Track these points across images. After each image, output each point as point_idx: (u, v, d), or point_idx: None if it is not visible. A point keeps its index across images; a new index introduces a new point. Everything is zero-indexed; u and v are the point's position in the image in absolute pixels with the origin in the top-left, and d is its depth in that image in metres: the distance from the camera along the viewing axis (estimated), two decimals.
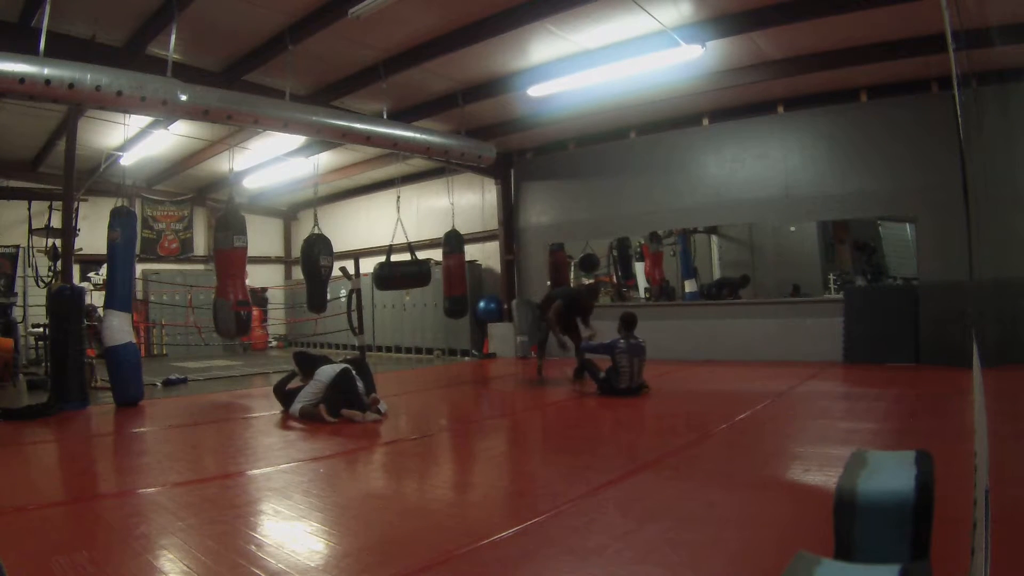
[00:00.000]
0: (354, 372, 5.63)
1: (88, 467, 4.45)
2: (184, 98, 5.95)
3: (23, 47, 5.25)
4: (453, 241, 9.89)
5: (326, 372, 5.56)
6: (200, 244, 14.68)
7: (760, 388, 6.56)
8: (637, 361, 6.37)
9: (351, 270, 8.55)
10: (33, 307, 10.51)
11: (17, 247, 10.69)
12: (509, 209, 11.82)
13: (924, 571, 1.36)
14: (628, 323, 6.55)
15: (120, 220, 6.81)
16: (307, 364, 5.86)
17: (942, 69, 7.32)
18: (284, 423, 5.55)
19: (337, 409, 5.37)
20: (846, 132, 8.54)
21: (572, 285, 11.66)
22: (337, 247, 9.17)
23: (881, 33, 6.77)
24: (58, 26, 5.89)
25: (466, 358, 11.62)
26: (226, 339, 9.43)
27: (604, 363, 6.59)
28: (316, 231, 8.47)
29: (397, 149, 8.38)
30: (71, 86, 5.25)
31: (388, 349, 13.34)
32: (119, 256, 6.83)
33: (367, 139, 7.79)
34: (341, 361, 6.02)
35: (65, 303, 6.48)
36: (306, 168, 11.60)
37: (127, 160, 10.14)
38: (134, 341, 6.92)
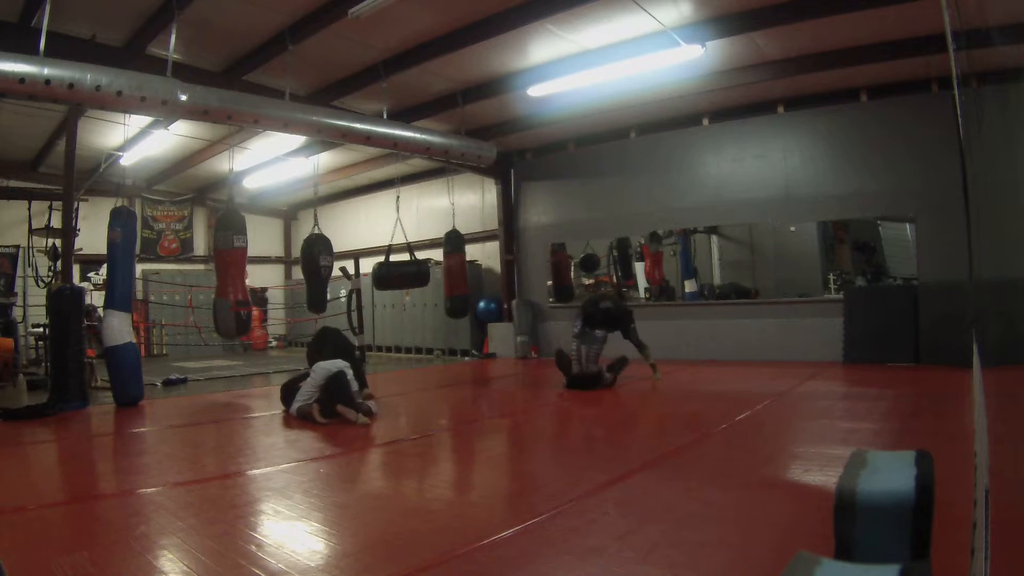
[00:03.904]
0: (351, 374, 5.61)
1: (88, 467, 4.45)
2: (184, 98, 5.95)
3: (23, 47, 5.25)
4: (453, 241, 9.88)
5: (321, 371, 5.55)
6: (200, 244, 14.68)
7: (760, 388, 6.55)
8: (585, 349, 6.62)
9: (351, 270, 8.58)
10: (33, 307, 10.51)
11: (17, 247, 10.70)
12: (509, 209, 11.82)
13: (924, 571, 1.36)
14: (590, 316, 6.79)
15: (120, 220, 6.81)
16: (314, 352, 5.88)
17: (942, 69, 7.30)
18: (284, 423, 5.55)
19: (330, 410, 5.37)
20: (846, 132, 8.53)
21: (571, 284, 11.69)
22: (337, 247, 9.17)
23: (881, 33, 6.77)
24: (58, 26, 5.88)
25: (466, 358, 11.62)
26: (226, 339, 9.45)
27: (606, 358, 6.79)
28: (316, 231, 8.47)
29: (397, 149, 8.38)
30: (71, 86, 5.25)
31: (388, 349, 13.33)
32: (119, 256, 6.82)
33: (367, 139, 7.79)
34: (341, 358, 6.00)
35: (65, 303, 6.48)
36: (306, 168, 11.60)
37: (127, 160, 10.15)
38: (134, 341, 6.91)
